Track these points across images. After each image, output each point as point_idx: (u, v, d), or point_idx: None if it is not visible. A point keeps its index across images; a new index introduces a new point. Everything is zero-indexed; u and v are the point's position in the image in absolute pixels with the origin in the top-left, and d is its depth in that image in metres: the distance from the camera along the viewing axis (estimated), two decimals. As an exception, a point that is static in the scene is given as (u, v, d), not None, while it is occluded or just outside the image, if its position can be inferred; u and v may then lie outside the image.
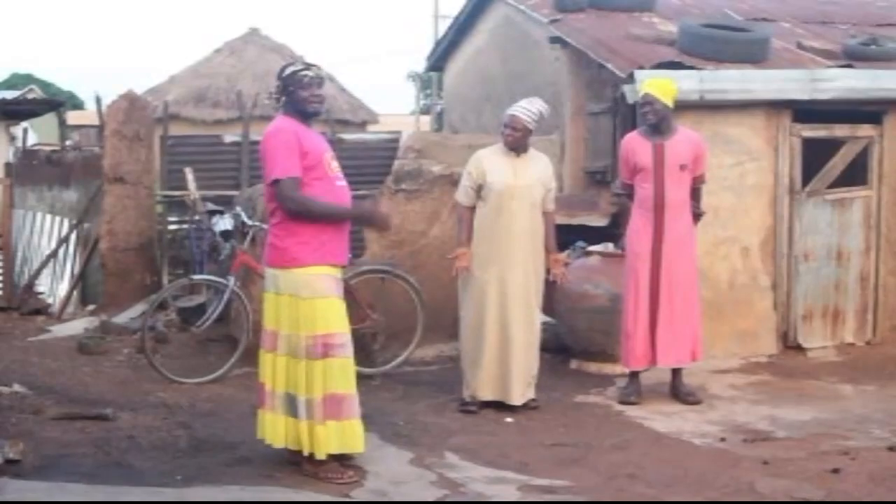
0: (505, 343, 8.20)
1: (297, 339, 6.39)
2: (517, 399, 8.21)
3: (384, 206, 6.21)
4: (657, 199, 8.41)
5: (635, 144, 8.54)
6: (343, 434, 6.41)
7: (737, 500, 6.22)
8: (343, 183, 6.62)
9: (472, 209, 8.29)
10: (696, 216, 8.69)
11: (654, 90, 8.47)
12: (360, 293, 9.25)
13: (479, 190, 8.24)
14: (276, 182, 6.38)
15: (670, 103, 8.48)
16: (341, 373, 6.42)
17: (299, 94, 6.51)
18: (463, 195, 8.34)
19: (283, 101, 6.56)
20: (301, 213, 6.38)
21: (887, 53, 10.93)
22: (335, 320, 6.46)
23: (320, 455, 6.37)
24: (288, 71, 6.57)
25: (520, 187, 8.19)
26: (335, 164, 6.59)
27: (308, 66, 6.59)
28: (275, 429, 6.50)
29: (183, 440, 7.29)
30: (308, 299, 6.38)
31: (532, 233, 8.26)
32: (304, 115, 6.58)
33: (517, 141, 8.26)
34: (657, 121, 8.45)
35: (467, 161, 8.47)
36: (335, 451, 6.40)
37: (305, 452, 6.41)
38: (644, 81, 8.83)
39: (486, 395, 8.24)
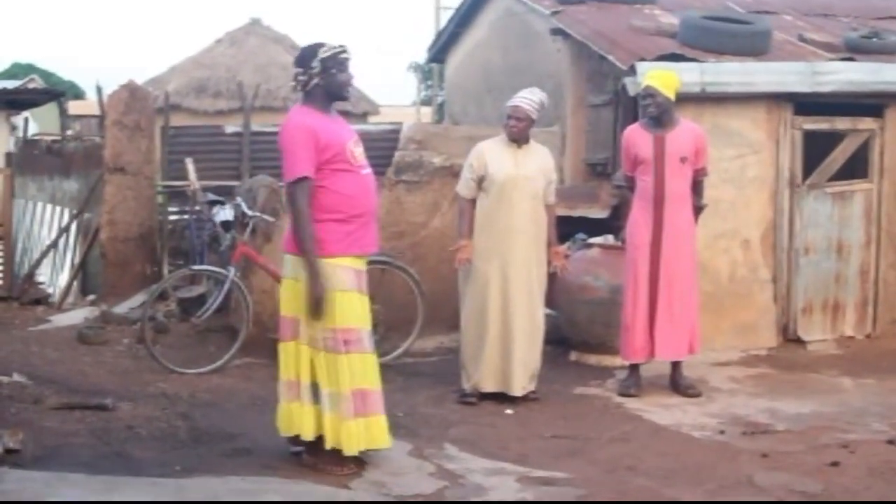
0: (507, 334, 8.21)
1: (314, 331, 6.30)
2: (518, 390, 8.22)
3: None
4: (657, 191, 8.41)
5: (636, 136, 8.53)
6: (370, 430, 6.34)
7: (735, 492, 6.22)
8: (368, 171, 6.47)
9: (473, 202, 8.29)
10: (698, 209, 8.68)
11: (655, 83, 8.45)
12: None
13: (480, 182, 8.24)
14: (288, 181, 6.28)
15: (672, 96, 8.46)
16: (363, 368, 6.35)
17: (339, 77, 6.36)
18: (464, 187, 8.34)
19: (314, 86, 6.33)
20: (294, 217, 6.32)
21: (889, 46, 10.93)
22: (353, 315, 6.34)
23: (350, 451, 6.29)
24: (328, 52, 6.32)
25: (521, 178, 8.19)
26: (359, 151, 6.43)
27: (343, 48, 6.40)
28: (307, 420, 6.36)
29: (182, 431, 7.29)
30: (328, 291, 6.25)
31: (534, 224, 8.26)
32: (338, 98, 6.46)
33: (521, 131, 8.27)
34: (658, 113, 8.43)
35: (468, 153, 8.47)
36: (364, 447, 6.35)
37: (329, 446, 6.31)
38: (646, 74, 8.81)
39: (489, 386, 8.24)
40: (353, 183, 6.34)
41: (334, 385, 6.29)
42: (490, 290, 8.19)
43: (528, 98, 8.28)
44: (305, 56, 6.40)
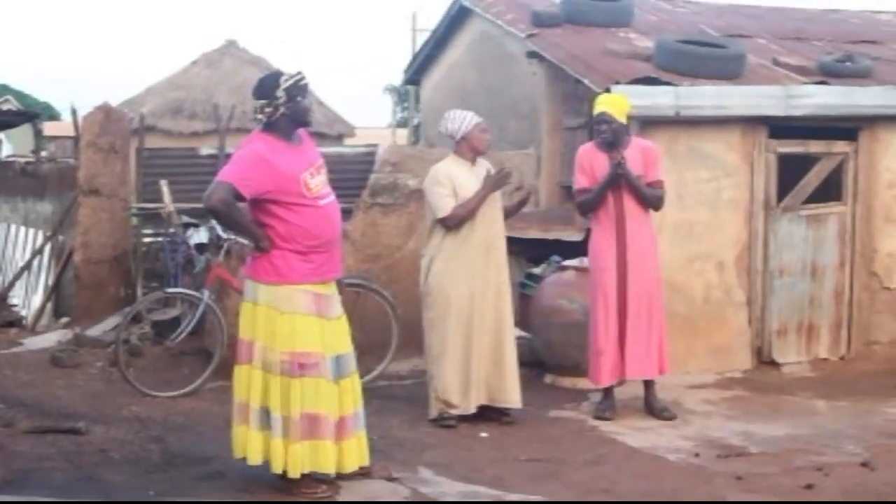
0: (499, 347, 8.25)
1: (273, 354, 6.28)
2: (516, 401, 8.27)
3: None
4: (618, 210, 8.42)
5: (592, 156, 8.54)
6: (316, 453, 6.31)
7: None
8: (327, 200, 6.43)
9: None
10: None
11: (609, 108, 8.51)
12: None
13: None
14: (215, 181, 6.28)
15: (625, 120, 8.55)
16: (315, 392, 6.31)
17: (303, 103, 6.37)
18: (446, 206, 8.16)
19: (280, 115, 6.31)
20: (216, 218, 6.51)
21: (862, 70, 11.00)
22: (310, 339, 6.33)
23: (293, 473, 6.29)
24: (290, 81, 6.33)
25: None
26: (318, 181, 6.39)
27: (302, 74, 6.40)
28: (252, 445, 6.37)
29: (156, 454, 7.26)
30: (288, 314, 6.28)
31: (503, 236, 8.39)
32: (303, 125, 6.48)
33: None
34: (613, 139, 8.48)
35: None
36: (307, 469, 6.31)
37: (278, 471, 6.32)
38: (598, 100, 8.77)
39: (483, 400, 8.25)
40: (308, 215, 6.31)
41: (286, 409, 6.27)
42: (476, 308, 8.17)
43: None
44: (267, 87, 6.38)
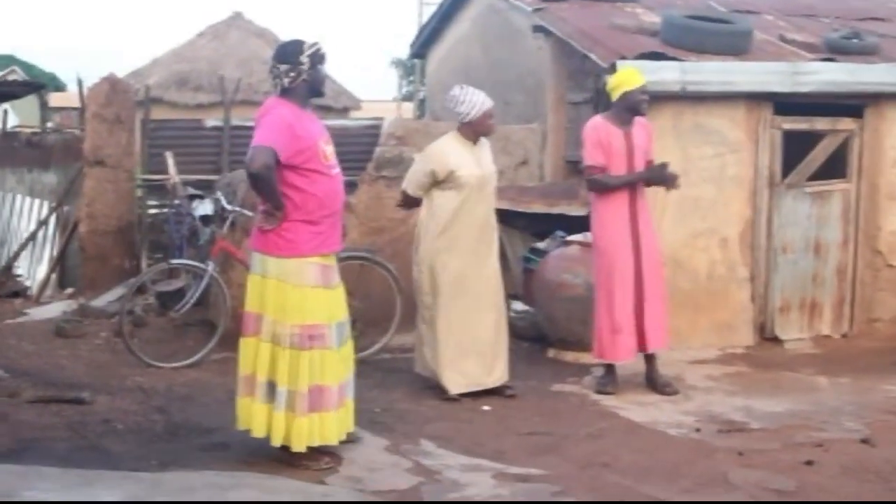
0: (500, 323, 8.34)
1: (283, 328, 6.30)
2: (505, 378, 8.31)
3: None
4: (631, 186, 8.41)
5: (608, 130, 8.44)
6: (322, 426, 6.35)
7: (710, 490, 6.23)
8: (337, 170, 6.50)
9: (419, 200, 8.30)
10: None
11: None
12: (339, 279, 9.23)
13: (435, 184, 8.21)
14: (254, 145, 6.23)
15: None
16: (321, 364, 6.35)
17: (322, 71, 6.45)
18: (418, 187, 8.25)
19: (301, 81, 6.35)
20: (257, 185, 6.27)
21: (869, 47, 10.97)
22: (319, 311, 6.37)
23: (298, 447, 6.31)
24: (312, 48, 6.39)
25: (486, 175, 8.29)
26: (329, 150, 6.45)
27: (319, 43, 6.46)
28: (257, 417, 6.38)
29: (159, 425, 7.30)
30: (298, 287, 6.30)
31: (494, 214, 8.44)
32: (318, 94, 6.54)
33: None
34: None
35: None
36: (315, 443, 6.34)
37: (277, 444, 6.34)
38: (633, 72, 8.66)
39: (483, 378, 8.29)
40: (323, 185, 6.36)
41: (293, 383, 6.29)
42: (482, 287, 8.21)
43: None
44: (291, 52, 6.41)
